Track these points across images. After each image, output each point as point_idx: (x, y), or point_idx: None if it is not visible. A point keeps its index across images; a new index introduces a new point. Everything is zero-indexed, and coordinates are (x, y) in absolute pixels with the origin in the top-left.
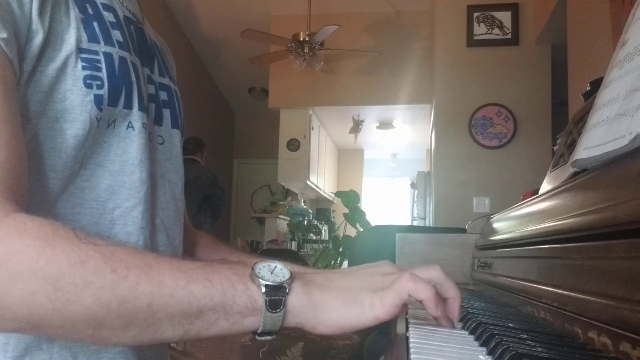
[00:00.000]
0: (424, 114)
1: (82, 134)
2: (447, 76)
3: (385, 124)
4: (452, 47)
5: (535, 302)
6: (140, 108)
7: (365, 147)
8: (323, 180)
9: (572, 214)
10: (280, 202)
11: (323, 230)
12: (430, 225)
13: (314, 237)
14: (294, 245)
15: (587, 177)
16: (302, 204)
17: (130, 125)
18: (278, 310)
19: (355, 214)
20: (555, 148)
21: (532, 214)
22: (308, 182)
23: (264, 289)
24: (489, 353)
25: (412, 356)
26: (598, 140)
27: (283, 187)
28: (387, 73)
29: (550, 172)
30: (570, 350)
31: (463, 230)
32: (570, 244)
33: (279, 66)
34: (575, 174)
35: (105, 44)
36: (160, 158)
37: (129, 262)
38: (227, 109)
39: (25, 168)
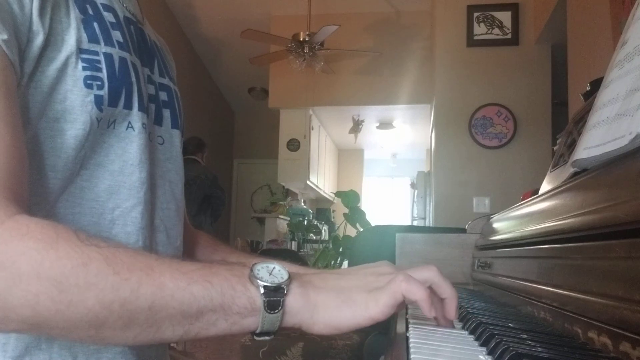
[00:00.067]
0: (424, 114)
1: (83, 135)
2: (447, 76)
3: (385, 124)
4: (452, 47)
5: (535, 302)
6: (140, 108)
7: (365, 147)
8: (323, 180)
9: (572, 214)
10: (280, 202)
11: (323, 230)
12: (430, 225)
13: (314, 237)
14: (294, 245)
15: (587, 177)
16: (302, 204)
17: (130, 125)
18: (276, 311)
19: (355, 214)
20: (555, 148)
21: (532, 214)
22: (308, 182)
23: (262, 290)
24: (489, 353)
25: (412, 356)
26: (598, 140)
27: (283, 187)
28: (387, 73)
29: (550, 172)
30: (570, 350)
31: (463, 230)
32: (570, 244)
33: (279, 66)
34: (575, 174)
35: (106, 44)
36: (161, 158)
37: (131, 263)
38: (227, 109)
39: (26, 170)
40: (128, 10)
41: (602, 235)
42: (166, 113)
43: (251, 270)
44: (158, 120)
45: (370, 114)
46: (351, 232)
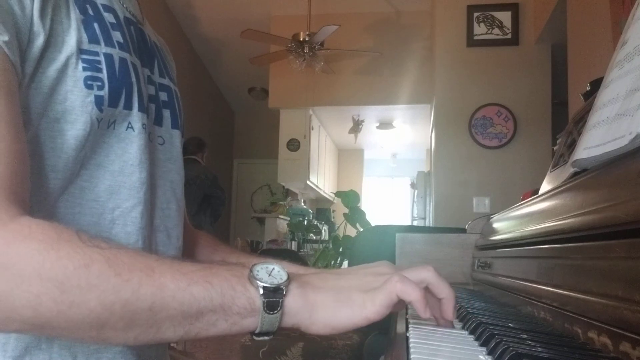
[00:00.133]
0: (424, 114)
1: (83, 135)
2: (447, 76)
3: (385, 124)
4: (452, 47)
5: (535, 302)
6: (140, 109)
7: (365, 147)
8: (323, 180)
9: (572, 214)
10: (280, 202)
11: (323, 230)
12: (430, 225)
13: (314, 237)
14: (294, 245)
15: (587, 177)
16: (302, 204)
17: (130, 125)
18: (275, 311)
19: (355, 214)
20: (555, 148)
21: (532, 214)
22: (308, 182)
23: (261, 291)
24: (489, 353)
25: (412, 356)
26: (598, 140)
27: (283, 187)
28: (387, 73)
29: (550, 172)
30: (570, 350)
31: (463, 230)
32: (570, 244)
33: (279, 66)
34: (575, 174)
35: (106, 45)
36: (161, 158)
37: (132, 265)
38: (227, 109)
39: (27, 171)
40: (128, 10)
41: (602, 235)
42: (166, 113)
43: (251, 271)
44: (158, 121)
45: (370, 114)
46: (351, 232)
